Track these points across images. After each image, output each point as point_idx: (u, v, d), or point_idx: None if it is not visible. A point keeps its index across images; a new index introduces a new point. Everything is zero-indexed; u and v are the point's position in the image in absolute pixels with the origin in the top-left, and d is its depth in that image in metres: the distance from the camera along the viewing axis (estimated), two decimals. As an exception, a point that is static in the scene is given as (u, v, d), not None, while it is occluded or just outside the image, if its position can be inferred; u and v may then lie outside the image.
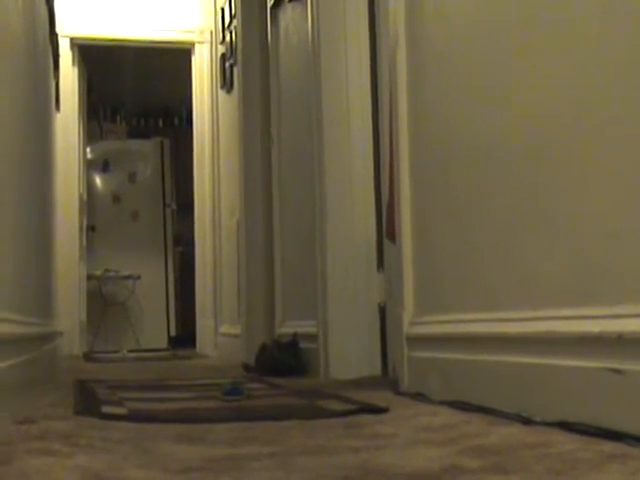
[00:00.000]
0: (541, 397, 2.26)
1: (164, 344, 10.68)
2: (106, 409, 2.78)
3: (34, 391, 3.19)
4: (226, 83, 7.50)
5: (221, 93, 7.83)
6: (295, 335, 4.70)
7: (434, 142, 3.14)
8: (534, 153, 2.40)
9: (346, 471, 1.65)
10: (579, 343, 2.12)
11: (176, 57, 8.83)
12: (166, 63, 9.89)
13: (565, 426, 2.03)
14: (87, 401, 3.15)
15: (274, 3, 5.80)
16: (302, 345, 4.62)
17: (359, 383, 3.77)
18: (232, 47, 7.12)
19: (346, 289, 4.30)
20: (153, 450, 1.96)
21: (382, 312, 4.25)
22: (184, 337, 10.32)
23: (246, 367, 5.04)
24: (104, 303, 10.56)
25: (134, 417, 2.62)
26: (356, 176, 4.36)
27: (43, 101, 4.79)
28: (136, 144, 11.27)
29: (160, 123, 12.35)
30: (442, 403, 2.73)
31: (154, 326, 10.79)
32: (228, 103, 7.42)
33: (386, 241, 4.05)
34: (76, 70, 8.47)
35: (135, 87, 11.57)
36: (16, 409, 2.47)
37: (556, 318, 2.23)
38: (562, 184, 2.25)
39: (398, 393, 3.22)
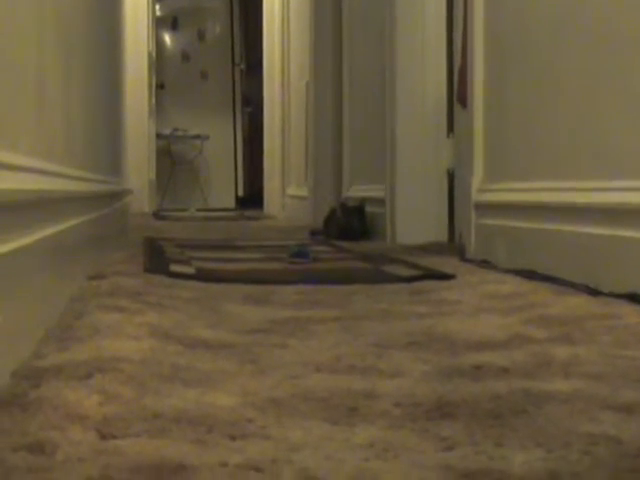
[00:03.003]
0: (609, 268, 2.23)
1: (232, 204, 10.79)
2: (174, 268, 2.82)
3: (105, 248, 3.25)
4: (297, -61, 7.32)
5: (292, -50, 7.65)
6: (362, 200, 4.69)
7: (512, 3, 3.05)
8: (616, 18, 2.31)
9: (411, 337, 1.66)
10: (652, 215, 2.08)
11: None
12: None
13: (633, 298, 2.01)
14: (156, 259, 3.20)
15: None
16: (369, 209, 4.62)
17: (425, 248, 3.77)
18: None
19: (415, 154, 4.26)
20: (220, 310, 2.00)
21: (451, 178, 4.21)
22: (251, 198, 10.40)
23: (313, 230, 5.07)
24: (173, 162, 10.64)
25: (202, 276, 2.66)
26: (428, 40, 4.26)
27: (112, -44, 4.72)
28: (205, 1, 11.13)
29: (230, -20, 12.16)
30: (508, 271, 2.72)
31: (222, 186, 10.88)
32: (299, -40, 7.25)
33: (457, 106, 3.97)
34: None
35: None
36: (87, 265, 2.52)
37: (629, 189, 2.19)
38: (643, 50, 2.17)
39: (464, 260, 3.21)
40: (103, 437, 0.96)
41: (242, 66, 11.03)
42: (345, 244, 4.17)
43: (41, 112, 1.75)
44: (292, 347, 1.55)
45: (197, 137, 10.68)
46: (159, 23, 10.36)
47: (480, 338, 1.61)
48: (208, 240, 4.47)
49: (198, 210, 9.33)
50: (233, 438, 0.97)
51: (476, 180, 3.28)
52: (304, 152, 6.62)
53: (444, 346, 1.56)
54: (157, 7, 10.05)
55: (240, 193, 11.03)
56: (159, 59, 10.23)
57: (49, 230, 1.73)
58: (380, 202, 4.44)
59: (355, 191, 5.09)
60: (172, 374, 1.27)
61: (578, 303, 1.99)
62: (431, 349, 1.53)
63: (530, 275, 2.56)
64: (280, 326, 1.78)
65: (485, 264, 3.01)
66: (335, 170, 5.72)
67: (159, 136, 9.99)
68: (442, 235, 4.19)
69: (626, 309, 1.88)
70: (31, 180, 1.51)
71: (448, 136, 4.23)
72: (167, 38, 10.97)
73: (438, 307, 2.05)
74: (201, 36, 11.02)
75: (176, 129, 10.63)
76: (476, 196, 3.27)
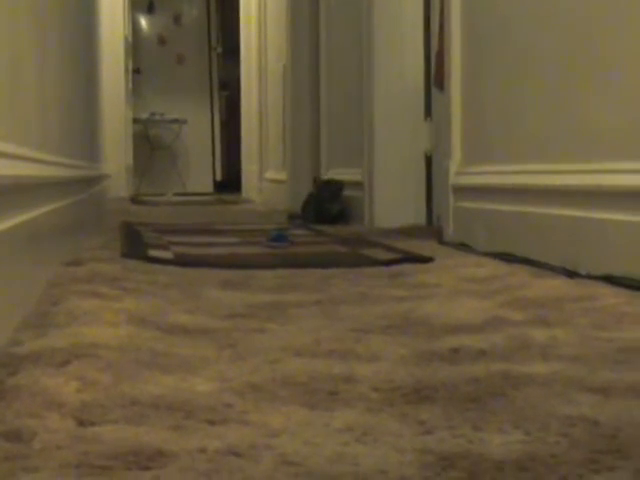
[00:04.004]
0: (587, 250, 2.24)
1: (210, 188, 10.76)
2: (152, 253, 2.82)
3: (82, 233, 3.24)
4: None
5: None
6: (339, 182, 4.68)
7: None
8: (595, 4, 2.31)
9: (389, 320, 1.66)
10: (628, 197, 2.09)
11: None
12: None
13: (610, 280, 2.02)
14: (134, 244, 3.19)
15: None
16: (348, 193, 4.62)
17: (403, 232, 3.78)
18: None
19: (393, 137, 4.26)
20: (199, 295, 1.99)
21: (428, 161, 4.22)
22: (229, 182, 10.38)
23: (291, 214, 5.06)
24: (150, 147, 10.60)
25: (180, 261, 2.65)
26: (405, 23, 4.26)
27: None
28: (181, -16, 11.07)
29: (206, -37, 12.09)
30: (486, 254, 2.73)
31: (200, 170, 10.85)
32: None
33: (434, 89, 3.98)
34: None
35: None
36: (64, 251, 2.51)
37: (606, 171, 2.19)
38: (622, 27, 2.17)
39: (442, 243, 3.22)
40: (81, 424, 0.96)
41: (219, 50, 10.98)
42: (324, 228, 4.17)
43: (15, 97, 1.73)
44: (271, 332, 1.55)
45: (174, 121, 10.65)
46: (135, 6, 10.29)
47: (458, 321, 1.62)
48: (186, 225, 4.46)
49: (176, 194, 9.31)
50: (212, 424, 0.97)
51: (454, 163, 3.28)
52: (282, 136, 6.61)
53: (422, 329, 1.56)
54: (133, -10, 9.99)
55: (218, 177, 11.00)
56: (135, 43, 10.17)
57: (24, 216, 1.72)
58: (358, 186, 4.44)
59: (333, 175, 5.09)
60: (150, 360, 1.27)
61: (556, 285, 2.00)
62: (409, 333, 1.53)
63: (508, 258, 2.57)
64: (259, 311, 1.78)
65: (463, 247, 3.01)
66: (313, 154, 5.72)
67: (136, 121, 9.95)
68: (420, 218, 4.20)
69: (603, 290, 1.89)
70: (5, 165, 1.50)
71: (426, 120, 4.23)
72: (143, 22, 10.91)
73: (416, 290, 2.05)
74: (177, 20, 10.96)
75: (153, 113, 10.59)
76: (454, 179, 3.28)
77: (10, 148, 1.60)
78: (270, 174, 7.48)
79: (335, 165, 5.21)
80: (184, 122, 10.64)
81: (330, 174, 5.19)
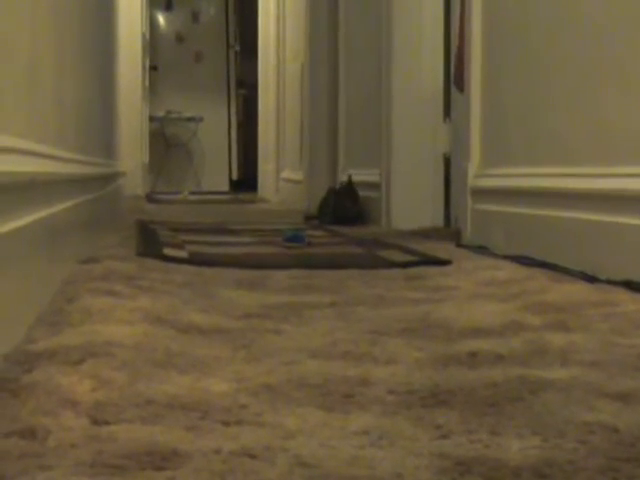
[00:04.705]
0: (607, 255, 2.23)
1: (226, 187, 10.77)
2: (168, 251, 2.82)
3: (97, 231, 3.25)
4: None
5: None
6: (350, 178, 4.67)
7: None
8: (615, 7, 2.30)
9: (406, 323, 1.66)
10: (650, 202, 2.08)
11: None
12: None
13: (630, 285, 2.01)
14: (149, 243, 3.20)
15: None
16: (365, 194, 4.61)
17: (421, 233, 3.77)
18: None
19: (411, 138, 4.25)
20: (214, 295, 1.99)
21: (447, 163, 4.21)
22: (246, 181, 10.39)
23: (308, 215, 5.06)
24: (166, 145, 10.63)
25: (195, 260, 2.66)
26: (425, 22, 4.25)
27: None
28: (200, -18, 11.10)
29: (225, -40, 12.10)
30: (505, 257, 2.72)
31: (216, 169, 10.86)
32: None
33: (454, 90, 3.97)
34: None
35: None
36: (80, 249, 2.52)
37: (629, 175, 2.18)
38: (643, 35, 2.16)
39: (460, 245, 3.22)
40: (95, 423, 0.96)
41: (237, 48, 10.99)
42: (340, 229, 4.16)
43: (33, 94, 1.74)
44: (286, 333, 1.55)
45: (191, 119, 10.67)
46: (153, 4, 10.31)
47: (476, 325, 1.62)
48: (202, 223, 4.47)
49: (191, 193, 9.33)
50: (227, 424, 0.97)
51: (472, 165, 3.28)
52: (299, 135, 6.61)
53: (439, 333, 1.56)
54: (151, -13, 10.01)
55: (234, 176, 11.01)
56: (153, 40, 10.20)
57: (41, 213, 1.72)
58: (376, 186, 4.44)
59: (351, 175, 5.08)
60: (165, 359, 1.27)
61: (575, 290, 1.99)
62: (426, 336, 1.53)
63: (527, 261, 2.56)
64: (274, 311, 1.78)
65: (481, 250, 3.01)
66: (330, 154, 5.72)
67: (153, 118, 9.97)
68: (438, 220, 4.19)
69: (623, 296, 1.88)
70: (23, 162, 1.51)
71: (445, 120, 4.23)
72: (161, 19, 10.93)
73: (434, 293, 2.05)
74: (195, 17, 10.98)
75: (170, 111, 10.61)
76: (472, 181, 3.27)
77: (28, 145, 1.61)
78: (287, 174, 7.48)
79: (353, 165, 5.21)
80: (200, 120, 10.65)
81: (347, 174, 5.18)
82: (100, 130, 4.01)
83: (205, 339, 1.47)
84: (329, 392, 1.13)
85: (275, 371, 1.23)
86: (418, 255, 2.82)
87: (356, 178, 4.79)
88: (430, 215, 4.21)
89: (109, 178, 4.32)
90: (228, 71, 11.03)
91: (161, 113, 10.50)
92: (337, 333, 1.54)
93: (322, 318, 1.72)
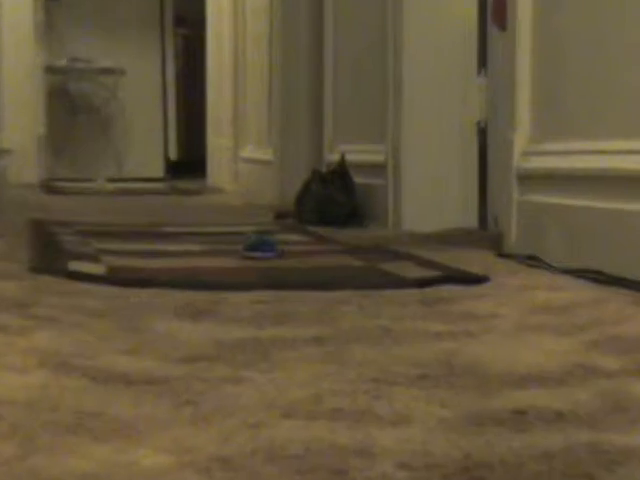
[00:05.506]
0: None
1: (160, 172, 10.77)
2: (76, 266, 2.82)
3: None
4: None
5: None
6: (342, 158, 4.68)
7: None
8: None
9: (423, 367, 1.67)
10: None
11: None
12: None
13: None
14: (48, 254, 3.20)
15: None
16: (364, 180, 4.62)
17: (444, 238, 3.78)
18: None
19: (429, 100, 4.26)
20: (144, 328, 2.00)
21: (482, 135, 4.23)
22: (189, 163, 10.39)
23: (280, 211, 5.07)
24: (72, 109, 10.61)
25: (116, 279, 2.66)
26: None
27: None
28: None
29: None
30: (566, 272, 2.74)
31: (146, 146, 10.85)
32: None
33: (492, 29, 3.99)
34: None
35: None
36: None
37: None
38: None
39: (502, 255, 3.23)
40: (-26, 514, 0.97)
41: (174, -32, 11.01)
42: (328, 232, 4.17)
43: None
44: (250, 382, 1.55)
45: (108, 71, 10.64)
46: None
47: (525, 370, 1.63)
48: (126, 225, 4.47)
49: (110, 180, 9.32)
50: (164, 515, 0.98)
51: (520, 138, 3.29)
52: (266, 97, 6.62)
53: (471, 381, 1.57)
54: None
55: (172, 156, 11.01)
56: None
57: None
58: (379, 170, 4.44)
59: (343, 153, 5.10)
60: (74, 422, 1.28)
61: (667, 318, 2.01)
62: (453, 386, 1.54)
63: (597, 277, 2.57)
64: (232, 352, 1.79)
65: (532, 261, 3.02)
66: (312, 123, 5.72)
67: (51, 69, 9.95)
68: (469, 219, 4.21)
69: None
70: None
71: (479, 74, 4.24)
72: None
73: (463, 324, 2.06)
74: None
75: (76, 59, 10.58)
76: (520, 161, 3.28)
77: None
78: (249, 152, 7.49)
79: (345, 140, 5.21)
80: (122, 73, 10.63)
81: (337, 152, 5.19)
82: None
83: (132, 392, 1.47)
84: (312, 467, 1.13)
85: (234, 437, 1.24)
86: (440, 269, 2.83)
87: (350, 158, 4.79)
88: (457, 211, 4.22)
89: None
90: (162, 1, 11.03)
91: (63, 62, 10.47)
92: (323, 382, 1.55)
93: (301, 361, 1.72)
